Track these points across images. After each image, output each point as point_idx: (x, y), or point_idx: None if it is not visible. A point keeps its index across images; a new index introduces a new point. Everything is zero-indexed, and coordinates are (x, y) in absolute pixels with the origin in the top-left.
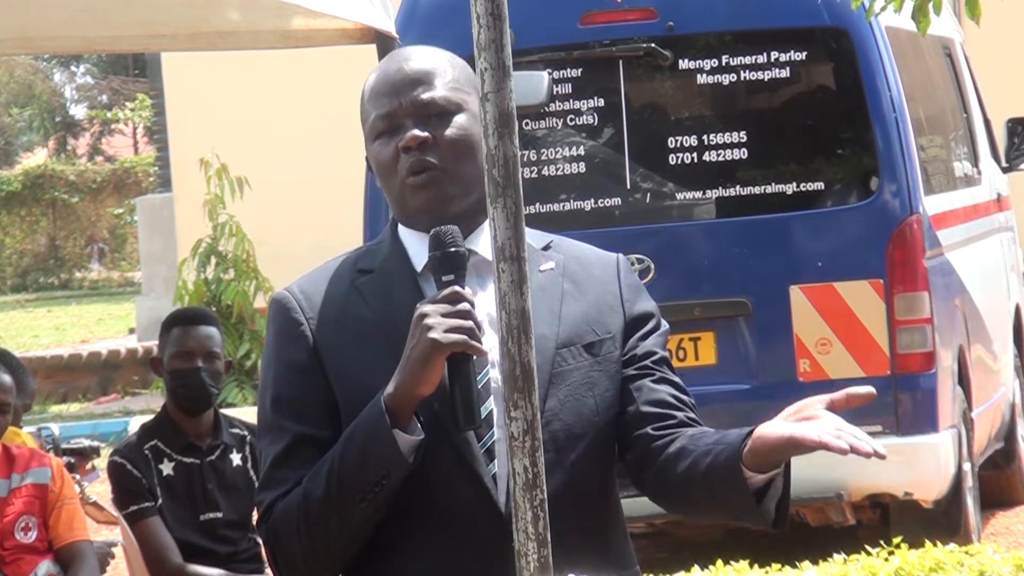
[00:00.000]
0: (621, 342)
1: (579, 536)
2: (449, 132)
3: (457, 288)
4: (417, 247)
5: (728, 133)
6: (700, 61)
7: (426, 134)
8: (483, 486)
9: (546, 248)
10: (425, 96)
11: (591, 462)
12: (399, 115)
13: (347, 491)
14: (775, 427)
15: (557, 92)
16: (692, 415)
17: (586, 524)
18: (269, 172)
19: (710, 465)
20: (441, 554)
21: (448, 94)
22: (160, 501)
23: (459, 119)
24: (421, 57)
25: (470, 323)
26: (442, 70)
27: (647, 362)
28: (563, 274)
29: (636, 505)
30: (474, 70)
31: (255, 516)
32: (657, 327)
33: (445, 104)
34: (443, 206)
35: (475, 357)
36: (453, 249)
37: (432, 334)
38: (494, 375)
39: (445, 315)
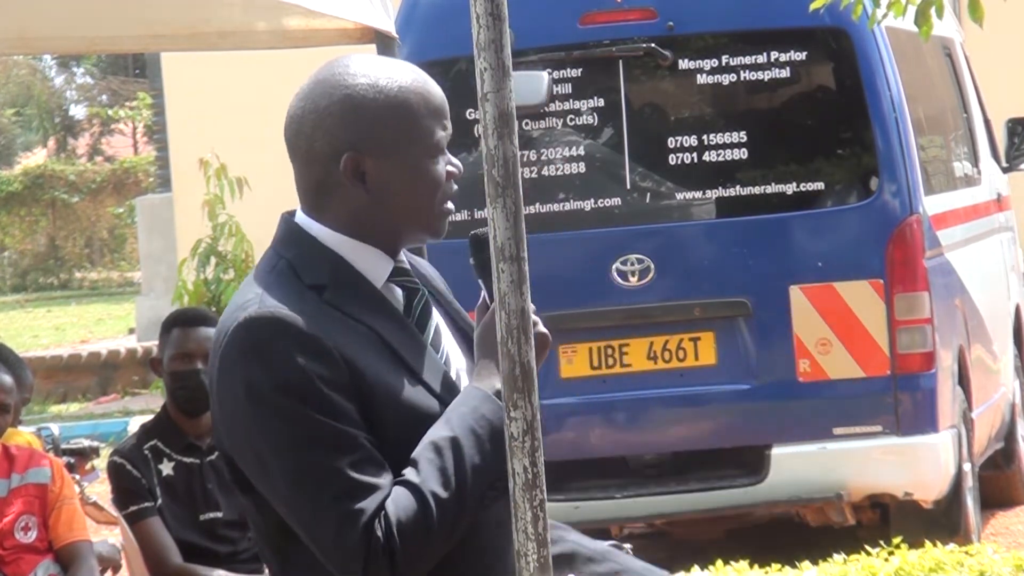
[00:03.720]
0: None
1: None
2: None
3: None
4: (369, 259)
5: (728, 133)
6: (700, 61)
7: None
8: None
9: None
10: (450, 128)
11: None
12: (445, 141)
13: (478, 486)
14: None
15: (557, 92)
16: None
17: None
18: (269, 172)
19: None
20: (494, 540)
21: None
22: (160, 501)
23: None
24: None
25: None
26: None
27: None
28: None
29: (636, 505)
30: (474, 70)
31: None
32: None
33: None
34: None
35: None
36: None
37: (540, 328)
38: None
39: None
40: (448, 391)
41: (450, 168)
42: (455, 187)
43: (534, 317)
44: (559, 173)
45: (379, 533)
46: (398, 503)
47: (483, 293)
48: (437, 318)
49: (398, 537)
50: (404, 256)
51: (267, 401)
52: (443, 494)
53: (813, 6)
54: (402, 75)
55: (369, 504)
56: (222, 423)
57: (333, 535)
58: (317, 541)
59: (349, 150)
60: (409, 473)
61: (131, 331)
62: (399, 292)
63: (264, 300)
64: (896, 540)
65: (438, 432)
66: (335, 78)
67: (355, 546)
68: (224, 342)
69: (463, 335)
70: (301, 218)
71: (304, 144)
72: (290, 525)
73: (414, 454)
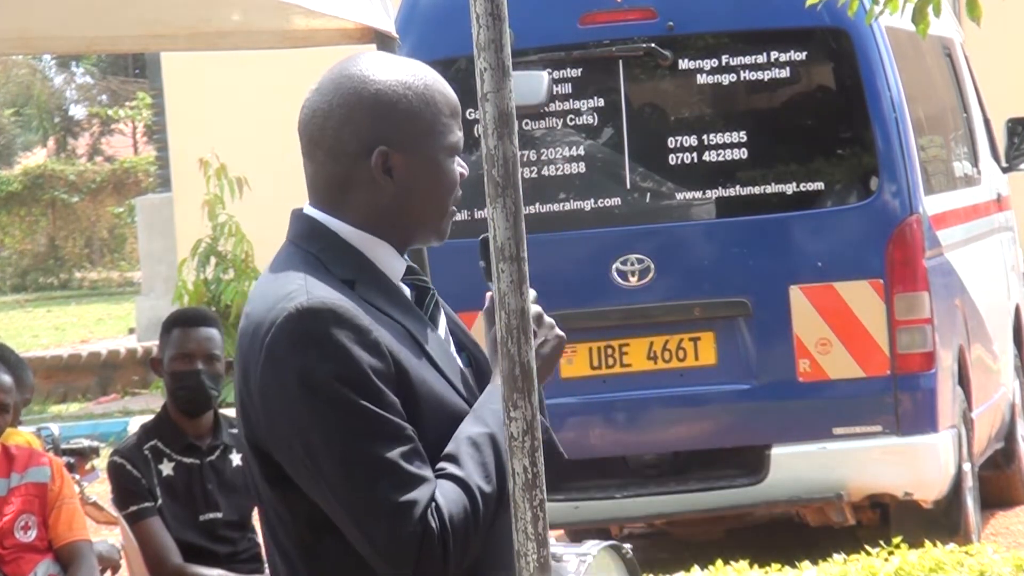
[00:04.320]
0: None
1: None
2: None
3: (534, 292)
4: (387, 256)
5: (728, 133)
6: (700, 61)
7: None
8: None
9: None
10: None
11: None
12: (461, 142)
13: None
14: None
15: (557, 92)
16: None
17: None
18: (269, 172)
19: None
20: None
21: None
22: (160, 501)
23: None
24: None
25: None
26: None
27: None
28: None
29: (636, 505)
30: (474, 70)
31: (252, 516)
32: None
33: None
34: None
35: None
36: None
37: (558, 331)
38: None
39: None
40: (467, 389)
41: (460, 170)
42: (458, 192)
43: (549, 319)
44: (559, 173)
45: (433, 524)
46: (447, 496)
47: (490, 295)
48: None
49: (451, 529)
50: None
51: (323, 391)
52: (487, 488)
53: (810, 2)
54: (426, 73)
55: (422, 495)
56: (262, 414)
57: (387, 526)
58: (369, 533)
59: (380, 145)
60: (451, 467)
61: (131, 331)
62: (407, 291)
63: (311, 290)
64: (896, 540)
65: (473, 428)
66: (362, 74)
67: (409, 537)
68: (271, 332)
69: (454, 335)
70: (315, 213)
71: (330, 139)
72: (332, 518)
73: (450, 449)
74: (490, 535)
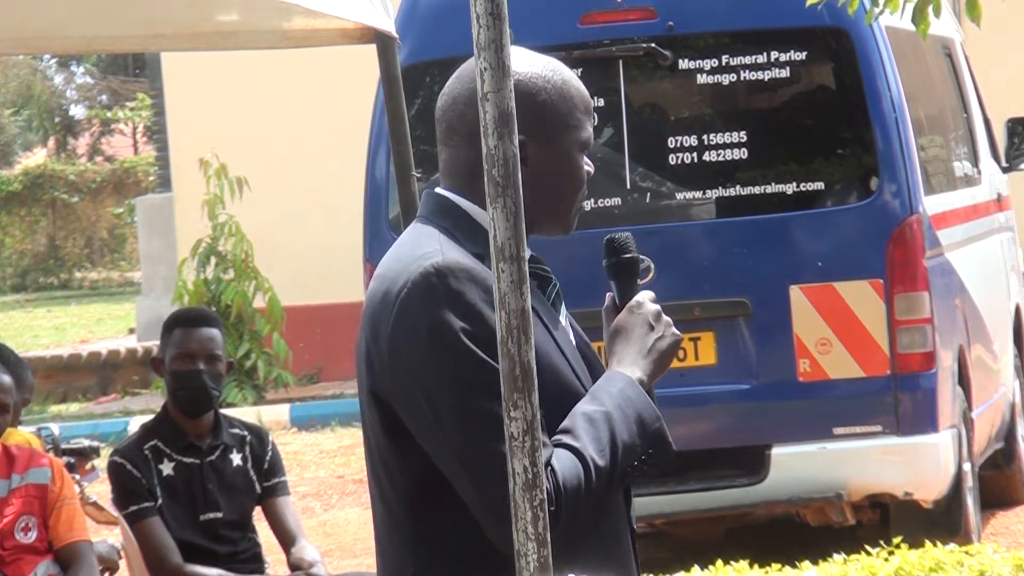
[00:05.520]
0: None
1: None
2: None
3: (652, 292)
4: None
5: (728, 133)
6: (700, 61)
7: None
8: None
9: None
10: None
11: None
12: (591, 139)
13: (626, 461)
14: None
15: None
16: None
17: None
18: (269, 172)
19: None
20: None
21: None
22: (160, 501)
23: None
24: None
25: None
26: None
27: None
28: None
29: (636, 505)
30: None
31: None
32: None
33: None
34: None
35: None
36: (629, 255)
37: (675, 329)
38: None
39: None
40: (583, 373)
41: (588, 167)
42: (585, 189)
43: (667, 317)
44: None
45: (548, 484)
46: (562, 462)
47: (611, 295)
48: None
49: (564, 492)
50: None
51: (452, 344)
52: (600, 462)
53: (810, 2)
54: (564, 69)
55: (541, 455)
56: (388, 364)
57: (501, 476)
58: (481, 486)
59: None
60: (567, 438)
61: (131, 331)
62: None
63: (446, 252)
64: (896, 540)
65: (589, 406)
66: None
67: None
68: (406, 286)
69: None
70: (447, 193)
71: (468, 126)
72: (444, 471)
73: (565, 424)
74: (598, 524)
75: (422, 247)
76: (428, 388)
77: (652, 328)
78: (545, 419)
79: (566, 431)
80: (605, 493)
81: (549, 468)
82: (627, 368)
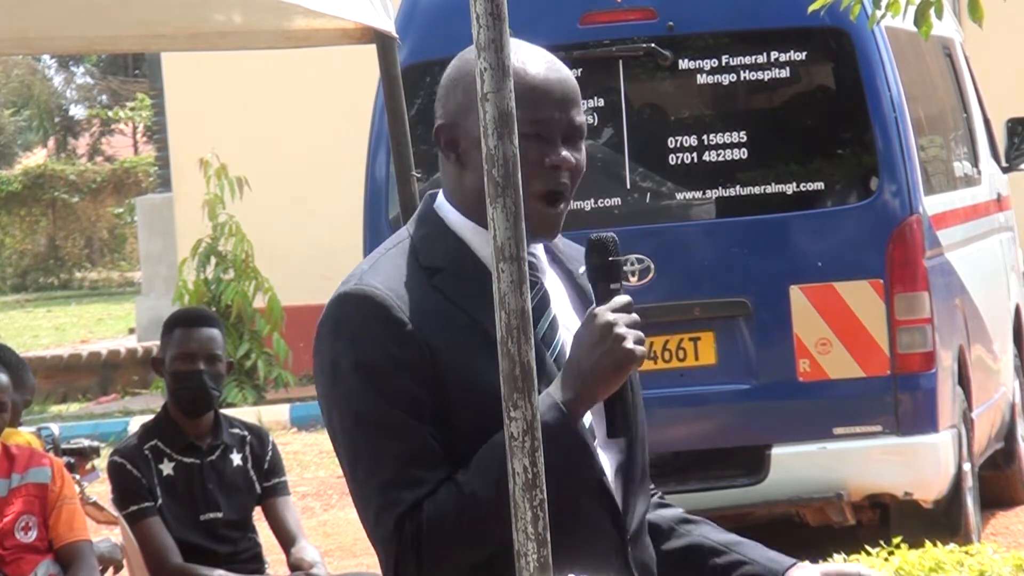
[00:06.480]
0: None
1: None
2: (582, 159)
3: (629, 298)
4: (484, 245)
5: (728, 133)
6: (700, 61)
7: (575, 161)
8: (603, 484)
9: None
10: (579, 120)
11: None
12: (552, 128)
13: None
14: (811, 571)
15: None
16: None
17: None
18: (269, 172)
19: None
20: (570, 546)
21: (584, 118)
22: (160, 501)
23: (583, 144)
24: (566, 71)
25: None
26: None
27: None
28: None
29: None
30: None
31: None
32: None
33: (584, 130)
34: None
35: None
36: (613, 259)
37: (627, 344)
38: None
39: (628, 325)
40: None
41: (553, 161)
42: (554, 181)
43: (622, 330)
44: None
45: (409, 528)
46: (437, 501)
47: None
48: (556, 311)
49: (427, 534)
50: (535, 248)
51: (345, 378)
52: (483, 495)
53: (812, 8)
54: (536, 56)
55: (407, 497)
56: (317, 388)
57: (373, 519)
58: (362, 520)
59: (440, 120)
60: (460, 472)
61: (131, 331)
62: None
63: (364, 277)
64: (896, 540)
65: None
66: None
67: (388, 535)
68: (323, 313)
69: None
70: (438, 199)
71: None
72: None
73: (477, 452)
74: (563, 533)
75: (356, 268)
76: (330, 418)
77: (600, 342)
78: (476, 444)
79: (469, 461)
80: (495, 522)
81: (418, 509)
82: (557, 387)
